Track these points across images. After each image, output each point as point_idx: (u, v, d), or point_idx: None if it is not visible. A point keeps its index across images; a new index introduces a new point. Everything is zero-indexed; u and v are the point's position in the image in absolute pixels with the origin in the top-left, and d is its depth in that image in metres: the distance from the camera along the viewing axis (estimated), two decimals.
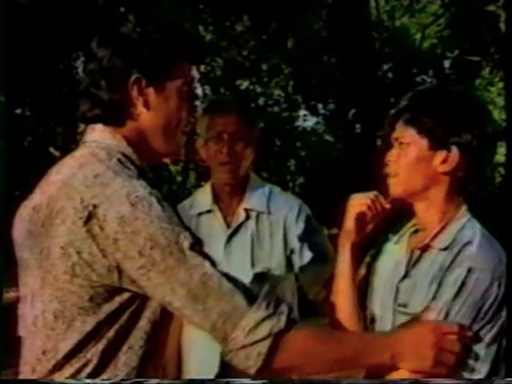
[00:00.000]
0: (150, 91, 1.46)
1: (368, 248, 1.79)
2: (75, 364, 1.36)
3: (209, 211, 2.31)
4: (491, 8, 8.58)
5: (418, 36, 12.24)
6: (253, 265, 2.25)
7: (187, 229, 1.38)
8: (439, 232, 1.63)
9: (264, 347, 1.32)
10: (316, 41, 10.98)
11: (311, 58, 11.18)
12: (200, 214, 2.31)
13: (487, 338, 1.56)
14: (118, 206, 1.32)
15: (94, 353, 1.36)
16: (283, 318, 1.34)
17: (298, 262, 2.28)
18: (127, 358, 1.38)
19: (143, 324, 1.39)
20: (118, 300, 1.36)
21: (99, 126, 1.47)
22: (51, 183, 1.42)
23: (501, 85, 10.75)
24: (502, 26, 8.25)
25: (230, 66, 12.30)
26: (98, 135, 1.47)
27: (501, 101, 11.27)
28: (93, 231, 1.33)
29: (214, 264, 1.38)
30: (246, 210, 2.28)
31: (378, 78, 9.52)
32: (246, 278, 2.22)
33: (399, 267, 1.67)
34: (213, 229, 2.29)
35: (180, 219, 1.40)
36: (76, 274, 1.34)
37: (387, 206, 1.68)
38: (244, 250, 2.26)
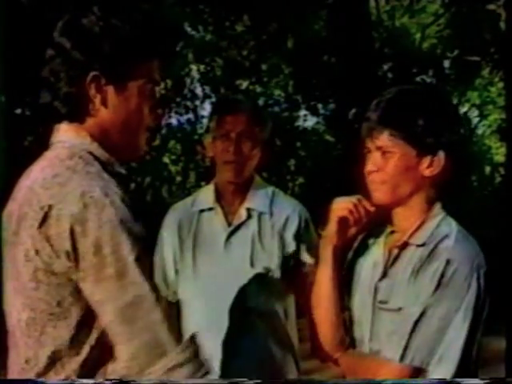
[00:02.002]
0: (110, 89, 1.40)
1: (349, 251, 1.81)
2: (60, 373, 1.33)
3: (210, 209, 2.31)
4: (491, 7, 8.57)
5: (418, 36, 12.23)
6: (252, 264, 2.24)
7: (140, 238, 1.32)
8: (416, 230, 1.65)
9: None
10: (316, 41, 10.96)
11: (311, 57, 11.16)
12: (202, 210, 2.32)
13: (478, 335, 1.56)
14: (71, 205, 1.29)
15: (77, 362, 1.33)
16: (202, 368, 1.31)
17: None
18: (114, 366, 1.34)
19: None
20: (86, 303, 1.33)
21: (63, 126, 1.43)
22: (20, 189, 1.40)
23: (501, 85, 10.73)
24: (503, 25, 8.24)
25: (230, 66, 12.28)
26: (62, 135, 1.43)
27: (501, 101, 11.24)
28: (48, 232, 1.30)
29: (154, 286, 1.32)
30: (248, 210, 2.28)
31: (378, 78, 9.50)
32: (245, 275, 2.22)
33: (377, 267, 1.70)
34: (214, 226, 2.29)
35: (138, 224, 1.33)
36: (39, 279, 1.32)
37: (371, 209, 1.69)
38: (244, 248, 2.26)
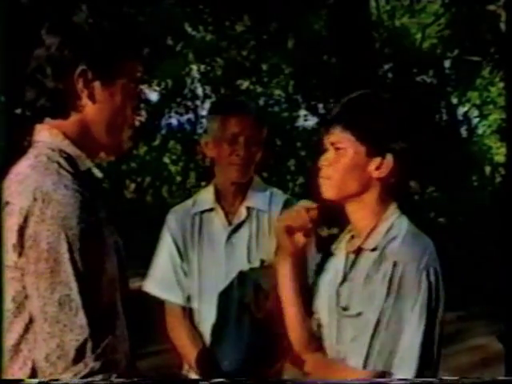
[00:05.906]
0: (96, 84, 1.43)
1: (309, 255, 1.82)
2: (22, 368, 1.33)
3: (211, 209, 2.32)
4: (491, 8, 8.59)
5: (418, 36, 12.24)
6: (249, 261, 2.26)
7: (85, 239, 1.30)
8: (369, 234, 1.67)
9: None
10: (316, 41, 10.98)
11: (311, 57, 11.18)
12: (202, 212, 2.32)
13: (436, 332, 1.57)
14: (23, 200, 1.31)
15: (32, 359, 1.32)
16: (113, 377, 1.30)
17: None
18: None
19: None
20: None
21: (38, 126, 1.46)
22: None
23: (501, 85, 10.75)
24: (503, 25, 8.25)
25: (230, 66, 12.31)
26: (37, 135, 1.46)
27: (501, 101, 11.27)
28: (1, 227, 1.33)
29: (87, 288, 1.30)
30: (248, 209, 2.29)
31: (378, 78, 9.52)
32: (246, 273, 2.24)
33: (338, 273, 1.72)
34: (215, 226, 2.30)
35: (88, 223, 1.31)
36: None
37: (314, 210, 1.70)
38: (244, 246, 2.27)
